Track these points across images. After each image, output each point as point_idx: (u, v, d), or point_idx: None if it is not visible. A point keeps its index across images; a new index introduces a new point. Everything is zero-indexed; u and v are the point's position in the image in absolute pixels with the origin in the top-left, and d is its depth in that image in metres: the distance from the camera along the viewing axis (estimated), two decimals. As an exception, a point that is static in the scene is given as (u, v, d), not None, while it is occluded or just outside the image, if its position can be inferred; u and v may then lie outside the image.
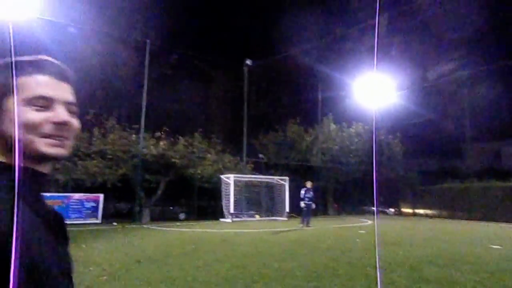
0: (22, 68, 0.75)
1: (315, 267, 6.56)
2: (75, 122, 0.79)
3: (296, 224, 16.03)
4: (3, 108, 0.74)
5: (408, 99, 25.42)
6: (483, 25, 27.19)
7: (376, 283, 5.33)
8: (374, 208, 17.29)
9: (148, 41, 18.96)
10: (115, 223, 16.19)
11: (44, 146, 0.74)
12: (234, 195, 19.21)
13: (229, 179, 19.39)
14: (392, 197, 26.71)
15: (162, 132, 18.90)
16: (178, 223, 17.60)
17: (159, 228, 14.93)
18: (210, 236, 12.23)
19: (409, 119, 26.74)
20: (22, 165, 0.72)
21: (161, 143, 18.68)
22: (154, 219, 18.90)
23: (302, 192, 15.24)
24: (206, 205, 22.25)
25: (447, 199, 23.73)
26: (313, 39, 30.03)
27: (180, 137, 19.35)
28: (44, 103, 0.75)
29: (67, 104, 0.78)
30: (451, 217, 22.59)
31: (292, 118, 25.87)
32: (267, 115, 26.82)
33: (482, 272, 6.14)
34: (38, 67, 0.76)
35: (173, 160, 18.53)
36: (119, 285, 5.27)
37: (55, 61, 0.80)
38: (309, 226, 14.76)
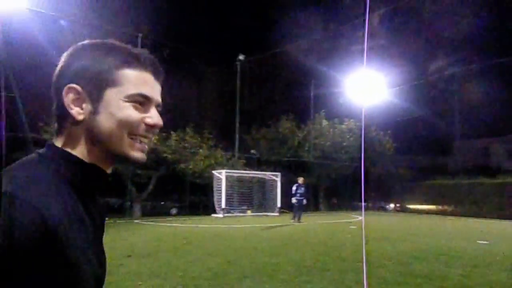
0: (130, 61, 0.70)
1: (305, 262, 6.62)
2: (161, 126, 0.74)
3: (287, 219, 16.13)
4: (104, 98, 0.68)
5: (400, 96, 25.63)
6: (474, 23, 27.48)
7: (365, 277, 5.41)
8: (362, 204, 17.42)
9: (140, 35, 18.78)
10: (106, 218, 16.10)
11: (131, 148, 0.70)
12: (226, 190, 19.23)
13: (221, 175, 19.40)
14: (382, 193, 27.01)
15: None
16: (169, 218, 17.58)
17: (150, 223, 14.89)
18: (201, 231, 12.25)
19: (400, 116, 26.98)
20: (90, 161, 0.68)
21: (153, 137, 18.57)
22: (145, 214, 18.85)
23: (294, 188, 15.30)
24: (198, 201, 22.25)
25: (436, 195, 24.07)
26: (306, 36, 30.04)
27: (172, 132, 19.27)
28: (144, 101, 0.70)
29: (157, 106, 0.73)
30: (440, 213, 22.94)
31: (285, 114, 25.92)
32: (259, 111, 26.81)
33: (468, 267, 6.27)
34: (144, 62, 0.71)
35: (164, 155, 18.46)
36: (110, 280, 5.26)
37: (154, 56, 0.75)
38: (300, 222, 14.86)
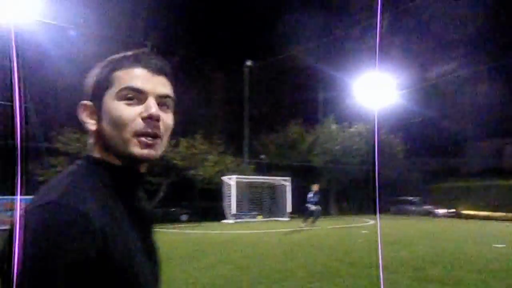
0: (121, 63, 0.72)
1: (317, 267, 6.55)
2: (167, 117, 0.72)
3: (298, 224, 16.02)
4: (103, 104, 0.70)
5: (410, 98, 25.39)
6: (483, 24, 27.15)
7: (379, 283, 5.32)
8: (377, 208, 17.22)
9: (148, 43, 19.01)
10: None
11: (134, 146, 0.68)
12: (236, 196, 19.22)
13: (231, 180, 19.40)
14: (393, 196, 26.66)
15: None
16: (180, 225, 17.62)
17: (161, 229, 14.94)
18: (212, 237, 12.24)
19: (410, 118, 26.69)
20: (118, 163, 0.70)
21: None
22: (156, 220, 18.90)
23: (310, 195, 14.60)
24: (208, 206, 22.26)
25: (449, 198, 23.68)
26: (314, 39, 30.04)
27: (182, 138, 19.37)
28: (135, 95, 0.69)
29: (159, 97, 0.71)
30: (454, 216, 22.54)
31: (293, 118, 25.88)
32: (268, 116, 26.84)
33: (486, 272, 6.12)
34: (134, 60, 0.72)
35: (174, 161, 18.55)
36: None
37: (151, 54, 0.74)
38: (314, 226, 14.42)
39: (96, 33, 19.04)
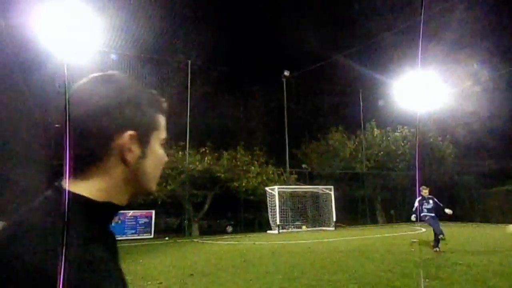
0: (160, 106, 0.74)
1: (368, 278, 6.39)
2: None
3: (344, 233, 15.66)
4: (150, 144, 0.70)
5: (459, 98, 24.10)
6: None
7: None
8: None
9: (189, 61, 19.76)
10: (167, 238, 16.77)
11: (155, 184, 0.74)
12: (280, 206, 19.21)
13: (274, 191, 19.45)
14: (446, 202, 25.22)
15: (206, 148, 19.46)
16: (226, 236, 17.87)
17: (208, 241, 15.25)
18: (258, 248, 12.30)
19: (460, 119, 25.28)
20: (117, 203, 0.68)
21: (206, 158, 19.23)
22: (203, 232, 19.34)
23: (416, 203, 10.47)
24: (252, 217, 22.42)
25: (507, 203, 22.01)
26: (352, 44, 29.60)
27: (224, 152, 19.80)
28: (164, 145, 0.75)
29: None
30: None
31: (334, 125, 25.54)
32: (308, 125, 26.68)
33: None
34: (161, 106, 0.74)
35: (218, 174, 18.96)
36: (177, 299, 5.48)
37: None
38: (441, 239, 9.54)
39: (135, 55, 19.93)
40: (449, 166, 25.66)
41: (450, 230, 17.61)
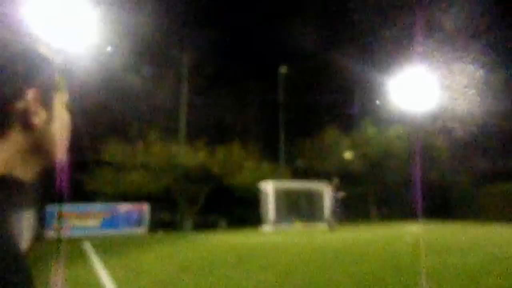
0: (50, 61, 0.64)
1: (363, 276, 6.39)
2: None
3: (337, 230, 15.70)
4: (54, 108, 0.63)
5: (454, 98, 24.19)
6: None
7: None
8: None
9: (184, 55, 19.60)
10: (160, 232, 16.72)
11: (62, 153, 0.66)
12: (274, 202, 19.21)
13: (268, 186, 19.44)
14: (440, 200, 25.43)
15: (201, 142, 19.37)
16: (219, 231, 17.86)
17: (201, 236, 15.22)
18: (252, 244, 12.29)
19: (455, 118, 25.41)
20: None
21: (201, 153, 19.15)
22: (197, 227, 19.30)
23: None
24: (246, 213, 22.40)
25: (499, 201, 22.24)
26: (348, 41, 29.55)
27: (219, 146, 19.73)
28: None
29: None
30: (506, 220, 21.11)
31: (329, 123, 25.55)
32: (303, 121, 26.67)
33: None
34: (58, 64, 0.66)
35: (212, 169, 18.90)
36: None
37: None
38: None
39: (130, 48, 19.71)
40: (443, 164, 25.84)
41: (444, 228, 17.76)
